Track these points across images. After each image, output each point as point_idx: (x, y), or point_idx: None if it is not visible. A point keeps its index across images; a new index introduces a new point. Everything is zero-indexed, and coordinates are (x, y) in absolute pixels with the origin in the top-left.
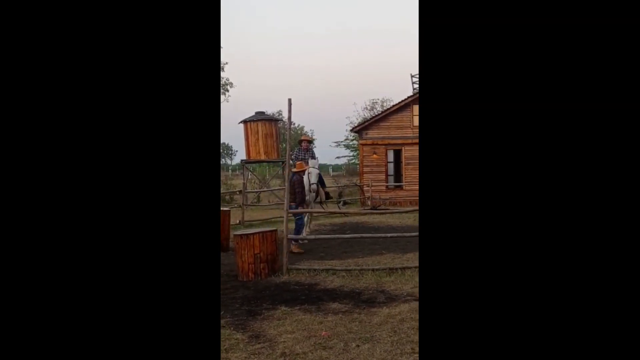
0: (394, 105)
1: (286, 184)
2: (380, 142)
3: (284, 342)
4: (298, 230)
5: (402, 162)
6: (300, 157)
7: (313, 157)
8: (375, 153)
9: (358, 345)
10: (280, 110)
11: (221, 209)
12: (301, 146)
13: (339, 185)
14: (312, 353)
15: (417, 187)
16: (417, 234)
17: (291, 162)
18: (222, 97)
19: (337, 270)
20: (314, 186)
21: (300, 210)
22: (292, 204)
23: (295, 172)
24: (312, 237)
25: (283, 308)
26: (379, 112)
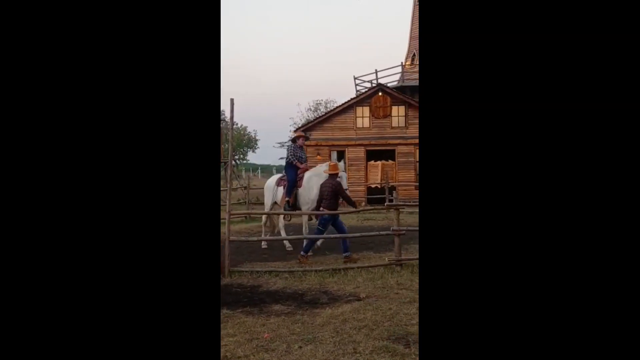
0: (337, 107)
1: (228, 185)
2: (324, 144)
3: (226, 345)
4: (316, 237)
5: (345, 163)
6: (298, 155)
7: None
8: (319, 154)
9: (300, 347)
10: (222, 110)
11: None
12: (297, 143)
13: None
14: (254, 355)
15: (360, 188)
16: (360, 234)
17: (289, 160)
18: None
19: (280, 271)
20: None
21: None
22: (322, 209)
23: (330, 174)
24: (255, 238)
25: (225, 311)
26: (323, 114)
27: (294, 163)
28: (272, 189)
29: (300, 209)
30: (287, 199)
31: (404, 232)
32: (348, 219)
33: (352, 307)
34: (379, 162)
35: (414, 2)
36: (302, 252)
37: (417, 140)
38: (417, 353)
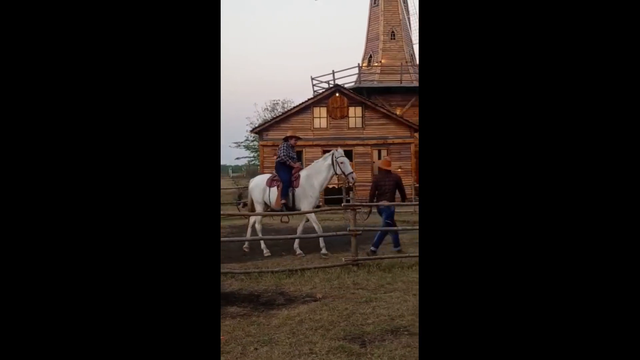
0: (295, 107)
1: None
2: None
3: None
4: (395, 238)
5: (303, 163)
6: (291, 154)
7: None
8: (276, 154)
9: (256, 349)
10: None
11: None
12: (290, 142)
13: (239, 186)
14: None
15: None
16: (316, 235)
17: (282, 160)
18: None
19: (235, 273)
20: (353, 175)
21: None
22: (383, 204)
23: (381, 169)
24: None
25: None
26: (280, 114)
27: (288, 163)
28: (262, 189)
29: (294, 210)
30: (282, 201)
31: (360, 232)
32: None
33: (309, 307)
34: None
35: (371, 4)
36: (372, 248)
37: (374, 141)
38: (373, 352)
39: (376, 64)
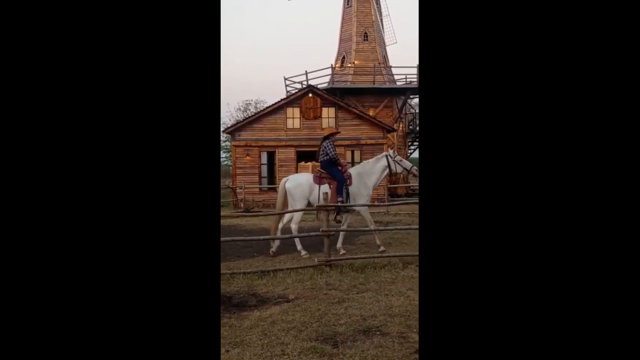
0: (267, 107)
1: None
2: (253, 144)
3: None
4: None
5: (275, 164)
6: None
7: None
8: (248, 155)
9: (227, 351)
10: None
11: None
12: (332, 139)
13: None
14: None
15: None
16: (289, 235)
17: (334, 158)
18: None
19: None
20: (415, 168)
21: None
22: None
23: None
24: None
25: None
26: (253, 114)
27: (339, 161)
28: (307, 188)
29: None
30: (340, 199)
31: (333, 233)
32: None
33: (281, 308)
34: (309, 163)
35: (344, 5)
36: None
37: (347, 142)
38: (345, 353)
39: (349, 65)
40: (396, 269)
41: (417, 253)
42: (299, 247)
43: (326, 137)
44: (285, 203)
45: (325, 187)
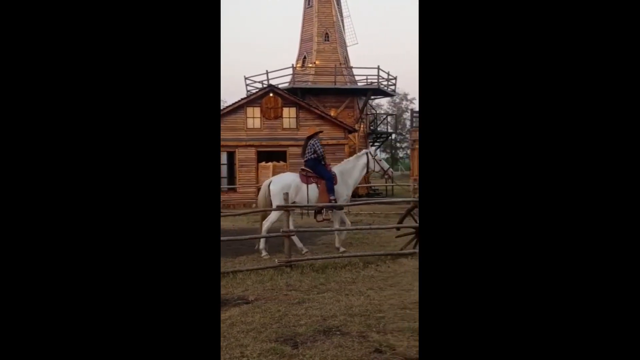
0: (227, 107)
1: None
2: None
3: None
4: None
5: (235, 164)
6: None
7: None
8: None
9: None
10: None
11: None
12: (317, 138)
13: None
14: None
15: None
16: (250, 236)
17: (321, 156)
18: None
19: None
20: (391, 170)
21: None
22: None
23: None
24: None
25: None
26: None
27: (324, 160)
28: (295, 188)
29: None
30: (332, 197)
31: (294, 233)
32: (238, 221)
33: (241, 310)
34: (270, 163)
35: (305, 5)
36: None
37: None
38: (305, 353)
39: (310, 65)
40: (357, 268)
41: (378, 252)
42: (262, 246)
43: (311, 137)
44: (267, 205)
45: (314, 187)
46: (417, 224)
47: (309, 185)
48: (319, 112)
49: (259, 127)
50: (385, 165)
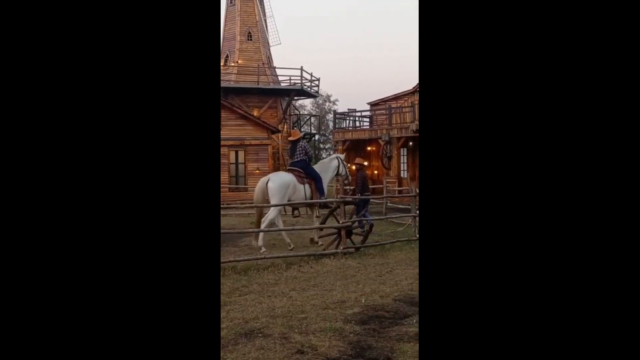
0: None
1: None
2: None
3: None
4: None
5: None
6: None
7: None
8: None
9: None
10: None
11: None
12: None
13: None
14: None
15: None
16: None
17: (310, 157)
18: None
19: None
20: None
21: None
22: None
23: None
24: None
25: None
26: None
27: (309, 161)
28: (292, 188)
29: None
30: (323, 197)
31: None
32: None
33: None
34: None
35: (227, 4)
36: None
37: (230, 142)
38: (226, 357)
39: (233, 64)
40: (279, 270)
41: (301, 253)
42: (261, 243)
43: (297, 140)
44: (264, 202)
45: (307, 187)
46: (340, 224)
47: (305, 185)
48: (241, 112)
49: None
50: (346, 171)
